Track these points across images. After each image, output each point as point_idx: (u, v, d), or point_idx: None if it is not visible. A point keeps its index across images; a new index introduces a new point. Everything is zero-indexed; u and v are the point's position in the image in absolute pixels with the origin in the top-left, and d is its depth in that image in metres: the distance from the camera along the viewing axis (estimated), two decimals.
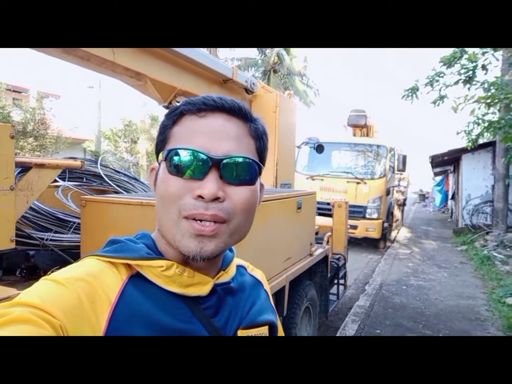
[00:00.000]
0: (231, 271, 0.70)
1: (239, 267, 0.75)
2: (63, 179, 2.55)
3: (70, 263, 0.60)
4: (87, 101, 20.99)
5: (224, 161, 0.56)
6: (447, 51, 6.43)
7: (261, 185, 0.67)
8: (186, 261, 0.60)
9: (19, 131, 12.64)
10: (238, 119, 0.60)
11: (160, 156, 0.60)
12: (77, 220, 2.09)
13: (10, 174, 1.37)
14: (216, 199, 0.55)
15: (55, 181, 2.41)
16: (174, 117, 0.61)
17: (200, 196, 0.55)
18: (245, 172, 0.59)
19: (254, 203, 0.61)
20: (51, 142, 13.77)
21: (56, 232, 2.04)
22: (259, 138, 0.63)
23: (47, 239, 1.94)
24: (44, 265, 2.06)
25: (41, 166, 1.73)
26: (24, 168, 1.73)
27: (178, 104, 0.62)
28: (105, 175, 2.71)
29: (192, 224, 0.55)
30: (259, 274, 0.81)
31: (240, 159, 0.58)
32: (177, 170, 0.57)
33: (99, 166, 2.75)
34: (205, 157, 0.56)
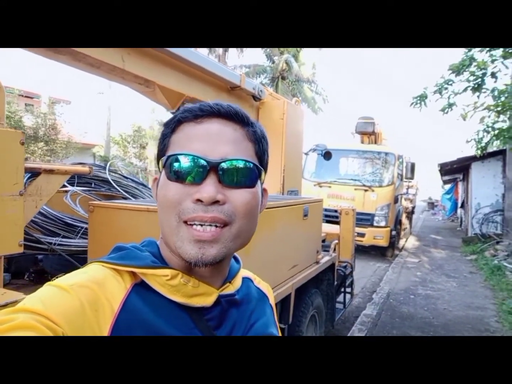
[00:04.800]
0: (237, 283, 0.69)
1: (245, 279, 0.74)
2: (72, 185, 2.58)
3: (77, 267, 0.60)
4: (97, 106, 21.27)
5: (222, 164, 0.56)
6: (455, 58, 6.41)
7: (264, 190, 0.67)
8: (190, 269, 0.60)
9: (30, 136, 12.84)
10: (235, 123, 0.61)
11: (160, 163, 0.61)
12: (85, 225, 2.11)
13: (19, 179, 1.39)
14: (216, 202, 0.55)
15: (64, 186, 2.44)
16: (172, 125, 0.62)
17: (199, 200, 0.55)
18: (244, 175, 0.58)
19: (255, 206, 0.61)
20: (61, 147, 13.96)
21: (64, 237, 2.06)
22: (258, 142, 0.63)
23: (55, 244, 1.96)
24: (52, 269, 2.08)
25: (50, 172, 1.76)
26: (33, 174, 1.76)
27: (189, 105, 0.63)
28: (113, 180, 2.74)
29: (192, 230, 0.55)
30: (265, 287, 0.80)
31: (239, 163, 0.58)
32: (176, 175, 0.57)
33: (107, 172, 2.77)
34: (202, 161, 0.56)
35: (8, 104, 12.42)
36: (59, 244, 1.98)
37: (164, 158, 0.59)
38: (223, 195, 0.56)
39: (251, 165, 0.60)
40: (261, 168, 0.63)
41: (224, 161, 0.57)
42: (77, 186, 2.59)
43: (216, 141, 0.58)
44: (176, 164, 0.57)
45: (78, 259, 1.92)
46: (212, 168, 0.56)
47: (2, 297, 1.20)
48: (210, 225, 0.55)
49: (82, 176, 2.64)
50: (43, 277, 2.10)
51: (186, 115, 0.60)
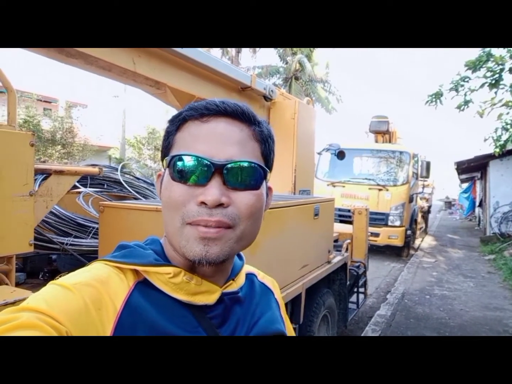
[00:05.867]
0: (240, 280, 0.69)
1: (249, 274, 0.74)
2: (85, 186, 2.63)
3: None
4: (112, 109, 21.61)
5: (227, 166, 0.56)
6: (470, 55, 6.30)
7: (269, 189, 0.66)
8: (193, 268, 0.60)
9: (48, 139, 13.13)
10: (241, 123, 0.60)
11: (164, 163, 0.60)
12: (96, 226, 2.15)
13: (29, 180, 1.43)
14: (220, 205, 0.55)
15: (77, 187, 2.49)
16: (177, 123, 0.61)
17: (203, 203, 0.54)
18: (249, 177, 0.57)
19: (259, 208, 0.60)
20: (78, 149, 14.23)
21: (76, 237, 2.10)
22: (264, 142, 0.62)
23: (67, 244, 2.00)
24: (65, 269, 2.12)
25: (60, 172, 1.79)
26: (45, 175, 1.80)
27: (194, 102, 0.62)
28: (125, 181, 2.78)
29: (197, 228, 0.55)
30: (270, 282, 0.79)
31: (244, 164, 0.57)
32: (180, 176, 0.56)
33: (119, 173, 2.82)
34: (207, 163, 0.55)
35: (26, 109, 12.73)
36: (71, 244, 2.02)
37: (168, 158, 0.59)
38: (227, 197, 0.56)
39: (257, 167, 0.59)
40: (267, 169, 0.62)
41: (229, 163, 0.56)
42: (90, 187, 2.64)
43: (221, 142, 0.57)
44: (180, 165, 0.56)
45: (89, 259, 1.96)
46: (217, 170, 0.55)
47: (11, 295, 1.24)
48: (215, 227, 0.55)
49: (95, 178, 2.69)
50: (56, 276, 2.14)
51: (191, 113, 0.59)
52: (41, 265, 2.19)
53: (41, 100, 14.96)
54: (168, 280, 0.59)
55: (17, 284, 1.72)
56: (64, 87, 18.55)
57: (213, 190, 0.55)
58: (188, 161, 0.56)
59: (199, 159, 0.56)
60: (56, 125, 13.67)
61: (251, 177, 0.58)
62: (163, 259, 0.62)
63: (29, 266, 2.15)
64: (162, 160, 0.62)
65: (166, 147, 0.62)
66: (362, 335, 4.24)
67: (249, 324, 0.66)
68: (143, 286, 0.59)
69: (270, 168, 0.64)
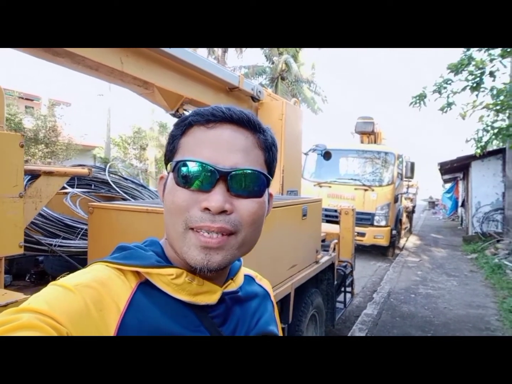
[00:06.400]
0: (239, 280, 0.70)
1: (247, 276, 0.75)
2: (72, 186, 2.59)
3: (77, 269, 0.60)
4: (97, 108, 21.31)
5: (232, 173, 0.56)
6: (453, 57, 6.43)
7: (270, 195, 0.66)
8: (194, 269, 0.60)
9: (31, 138, 12.86)
10: (246, 130, 0.60)
11: (169, 167, 0.61)
12: (84, 227, 2.12)
13: (19, 182, 1.41)
14: (223, 211, 0.55)
15: (64, 188, 2.45)
16: (183, 127, 0.61)
17: (207, 209, 0.55)
18: (253, 185, 0.58)
19: (262, 216, 0.61)
20: (61, 149, 13.98)
21: (64, 238, 2.07)
22: (268, 150, 0.63)
23: (55, 245, 1.98)
24: (52, 270, 2.09)
25: (49, 173, 1.77)
26: (33, 176, 1.77)
27: (185, 112, 0.63)
28: (113, 182, 2.75)
29: (199, 236, 0.56)
30: (266, 285, 0.81)
31: (248, 172, 0.58)
32: (185, 181, 0.57)
33: (107, 173, 2.79)
34: (212, 169, 0.56)
35: (8, 107, 12.44)
36: (59, 246, 1.99)
37: (173, 163, 0.59)
38: (230, 204, 0.56)
39: (261, 175, 0.59)
40: (270, 177, 0.62)
41: (234, 171, 0.56)
42: (77, 187, 2.61)
43: (226, 149, 0.57)
44: (185, 170, 0.57)
45: (78, 260, 1.94)
46: (222, 177, 0.56)
47: (2, 298, 1.22)
48: (217, 233, 0.56)
49: (82, 178, 2.65)
50: (43, 278, 2.11)
51: (197, 118, 0.59)
52: (27, 267, 2.16)
53: (22, 98, 14.65)
54: (170, 281, 0.59)
55: (3, 287, 1.69)
56: (47, 85, 18.22)
57: (217, 197, 0.55)
58: (193, 167, 0.57)
59: (204, 165, 0.56)
60: (39, 123, 13.40)
61: (255, 185, 0.59)
62: (164, 261, 0.62)
63: (15, 268, 2.12)
64: (166, 164, 0.62)
65: (171, 151, 0.62)
66: (349, 334, 4.29)
67: (249, 324, 0.68)
68: (145, 286, 0.59)
69: (272, 176, 0.65)
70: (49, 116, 13.91)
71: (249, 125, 0.60)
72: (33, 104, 16.55)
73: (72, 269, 0.63)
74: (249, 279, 0.76)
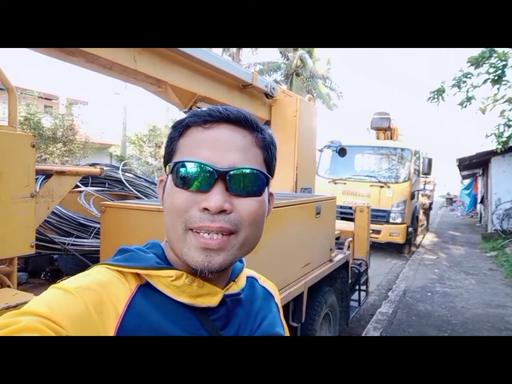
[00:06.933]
0: (241, 282, 0.69)
1: (249, 278, 0.74)
2: (86, 185, 2.62)
3: (90, 267, 0.61)
4: (113, 107, 21.61)
5: (230, 173, 0.56)
6: (471, 51, 6.27)
7: (270, 195, 0.66)
8: (195, 271, 0.60)
9: (49, 137, 13.13)
10: (244, 130, 0.60)
11: (167, 169, 0.61)
12: (98, 225, 2.14)
13: (30, 182, 1.42)
14: (222, 211, 0.55)
15: (78, 186, 2.48)
16: (180, 129, 0.61)
17: (206, 209, 0.55)
18: (251, 184, 0.58)
19: (262, 215, 0.61)
20: (79, 147, 14.25)
21: (77, 237, 2.10)
22: (267, 148, 0.62)
23: (68, 244, 2.00)
24: (66, 269, 2.12)
25: (61, 173, 1.79)
26: (47, 176, 1.79)
27: (198, 109, 0.63)
28: (126, 180, 2.77)
29: (199, 238, 0.55)
30: (270, 286, 0.79)
31: (247, 170, 0.57)
32: (183, 182, 0.57)
33: (120, 172, 2.81)
34: (210, 169, 0.55)
35: (27, 106, 12.72)
36: (72, 244, 2.01)
37: (171, 164, 0.59)
38: (230, 204, 0.56)
39: (259, 174, 0.59)
40: (269, 176, 0.62)
41: (232, 170, 0.56)
42: (91, 186, 2.64)
43: (224, 149, 0.57)
44: (183, 171, 0.57)
45: (91, 259, 1.96)
46: (220, 176, 0.56)
47: (13, 298, 1.24)
48: (217, 233, 0.55)
49: (96, 177, 2.68)
50: (58, 276, 2.14)
51: (194, 119, 0.60)
52: (43, 265, 2.20)
53: (42, 98, 14.95)
54: (170, 283, 0.59)
55: (19, 284, 1.72)
56: (65, 85, 18.55)
57: (216, 197, 0.55)
58: (191, 168, 0.57)
59: (202, 165, 0.56)
60: (57, 122, 13.69)
61: (253, 183, 0.58)
62: (165, 263, 0.62)
63: (31, 266, 2.15)
64: (165, 166, 0.62)
65: (169, 153, 0.62)
66: (363, 333, 4.24)
67: (252, 326, 0.67)
68: (145, 289, 0.59)
69: (272, 175, 0.65)
70: (67, 115, 14.19)
71: (247, 124, 0.60)
72: (51, 104, 16.88)
73: (85, 267, 0.63)
74: (252, 280, 0.75)
